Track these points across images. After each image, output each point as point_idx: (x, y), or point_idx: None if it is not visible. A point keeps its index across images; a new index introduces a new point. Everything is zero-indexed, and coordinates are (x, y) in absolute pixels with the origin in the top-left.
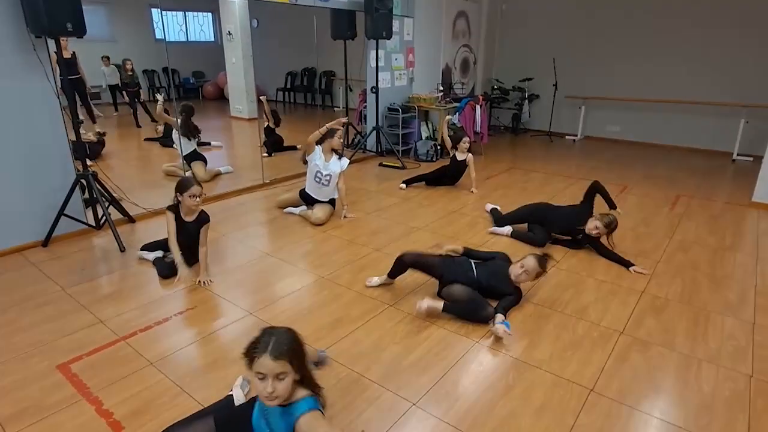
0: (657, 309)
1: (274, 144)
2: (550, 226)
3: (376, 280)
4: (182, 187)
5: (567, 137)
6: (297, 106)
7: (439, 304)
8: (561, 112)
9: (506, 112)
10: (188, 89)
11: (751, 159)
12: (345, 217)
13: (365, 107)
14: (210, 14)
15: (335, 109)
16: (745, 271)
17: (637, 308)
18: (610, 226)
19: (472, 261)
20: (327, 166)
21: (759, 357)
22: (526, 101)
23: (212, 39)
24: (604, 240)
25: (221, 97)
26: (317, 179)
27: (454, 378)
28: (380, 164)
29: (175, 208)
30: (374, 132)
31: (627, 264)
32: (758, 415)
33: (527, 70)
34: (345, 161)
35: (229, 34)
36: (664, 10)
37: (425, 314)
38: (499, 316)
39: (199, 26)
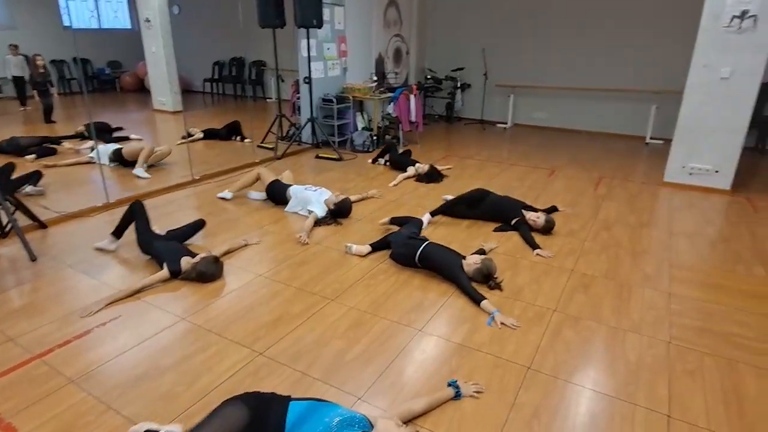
0: (585, 285)
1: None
2: (487, 209)
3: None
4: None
5: (498, 125)
6: (226, 97)
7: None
8: (492, 100)
9: (440, 101)
10: (103, 81)
11: (662, 142)
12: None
13: (299, 98)
14: None
15: (267, 100)
16: (661, 245)
17: (567, 286)
18: (549, 226)
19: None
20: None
21: (675, 324)
22: (459, 90)
23: (129, 26)
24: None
25: (142, 89)
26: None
27: (398, 368)
28: (317, 156)
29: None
30: (309, 123)
31: (535, 246)
32: (677, 378)
33: (458, 59)
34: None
35: (147, 21)
36: (584, 3)
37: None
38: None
39: (113, 12)
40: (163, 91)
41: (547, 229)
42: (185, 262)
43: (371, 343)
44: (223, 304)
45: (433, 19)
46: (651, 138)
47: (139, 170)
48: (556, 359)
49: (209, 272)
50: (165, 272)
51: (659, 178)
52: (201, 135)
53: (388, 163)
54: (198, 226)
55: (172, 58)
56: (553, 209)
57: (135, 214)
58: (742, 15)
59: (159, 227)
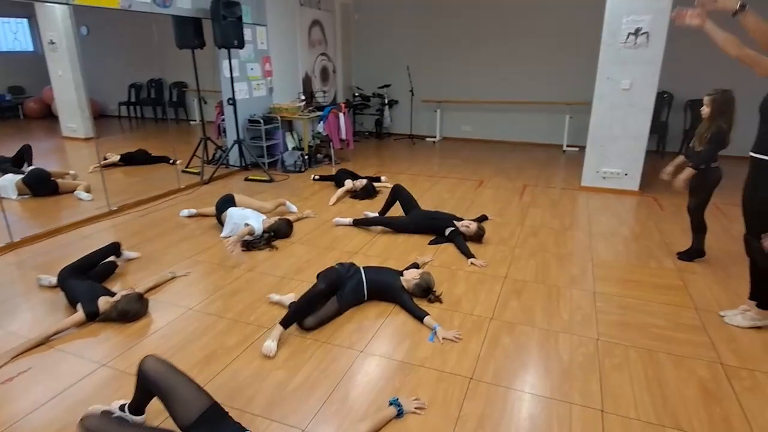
0: (518, 291)
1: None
2: (420, 221)
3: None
4: None
5: (427, 139)
6: (145, 121)
7: None
8: (419, 115)
9: (369, 118)
10: (4, 108)
11: (577, 149)
12: (227, 246)
13: (224, 120)
14: (26, 20)
15: (191, 122)
16: (583, 246)
17: (502, 293)
18: (481, 233)
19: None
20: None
21: (602, 321)
22: (387, 107)
23: (31, 49)
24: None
25: (49, 115)
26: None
27: (342, 393)
28: (246, 179)
29: None
30: (236, 146)
31: (469, 256)
32: (607, 373)
33: (385, 77)
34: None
35: (52, 43)
36: (501, 23)
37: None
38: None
39: (12, 34)
40: (73, 117)
41: (479, 235)
42: (103, 301)
43: (313, 371)
44: (150, 343)
45: (358, 38)
46: (567, 146)
47: (81, 193)
48: (496, 367)
49: (132, 311)
50: (80, 315)
51: (577, 183)
52: (117, 158)
53: (317, 178)
54: (109, 269)
55: (82, 81)
56: (483, 218)
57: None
58: (636, 32)
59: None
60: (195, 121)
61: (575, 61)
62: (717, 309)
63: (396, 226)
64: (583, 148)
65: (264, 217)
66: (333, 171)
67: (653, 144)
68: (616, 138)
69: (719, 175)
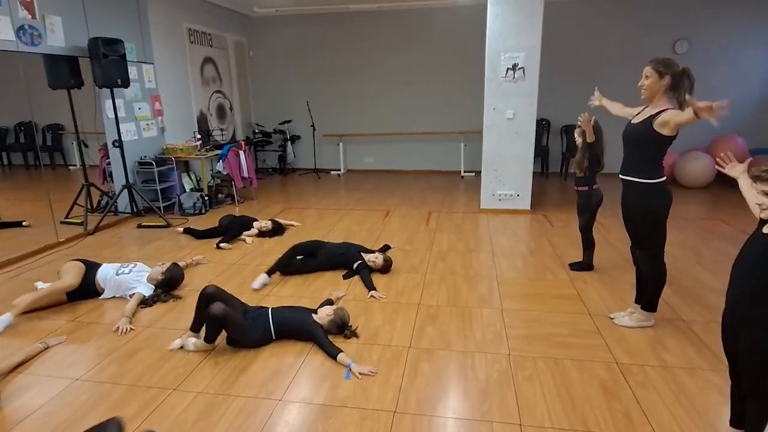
0: (432, 317)
1: None
2: (325, 258)
3: (178, 342)
4: None
5: (332, 172)
6: (15, 168)
7: None
8: (323, 149)
9: (272, 155)
10: None
11: (474, 174)
12: (119, 329)
13: (109, 163)
14: None
15: (70, 168)
16: (488, 266)
17: (417, 320)
18: (388, 264)
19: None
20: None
21: (511, 336)
22: (289, 142)
23: None
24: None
25: None
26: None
27: None
28: (139, 225)
29: None
30: (125, 190)
31: (371, 288)
32: (520, 386)
33: (285, 113)
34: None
35: None
36: (394, 58)
37: None
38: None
39: None
40: None
41: (387, 267)
42: None
43: (227, 429)
44: (29, 426)
45: (254, 75)
46: (465, 172)
47: None
48: (418, 397)
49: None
50: None
51: (477, 206)
52: None
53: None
54: None
55: None
56: (387, 248)
57: None
58: (514, 67)
59: None
60: (75, 166)
61: (466, 94)
62: (607, 312)
63: (311, 267)
64: (479, 173)
65: (146, 271)
66: (236, 211)
67: (538, 166)
68: (507, 162)
69: (600, 196)
